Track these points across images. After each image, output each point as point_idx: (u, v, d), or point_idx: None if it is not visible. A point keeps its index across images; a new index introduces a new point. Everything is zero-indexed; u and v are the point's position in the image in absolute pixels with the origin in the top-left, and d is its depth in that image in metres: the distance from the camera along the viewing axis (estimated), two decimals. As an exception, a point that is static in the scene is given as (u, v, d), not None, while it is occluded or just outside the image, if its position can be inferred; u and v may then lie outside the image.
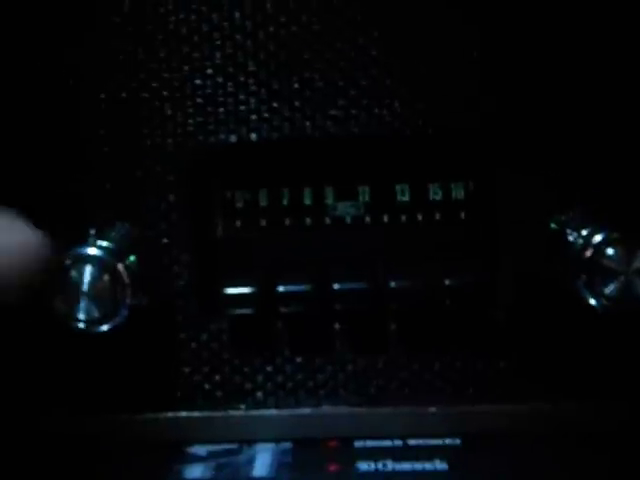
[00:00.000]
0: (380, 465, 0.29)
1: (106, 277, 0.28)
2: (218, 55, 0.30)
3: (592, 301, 0.28)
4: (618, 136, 0.30)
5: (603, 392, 0.31)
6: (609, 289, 0.27)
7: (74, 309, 0.28)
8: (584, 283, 0.27)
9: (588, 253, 0.27)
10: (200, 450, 0.31)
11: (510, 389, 0.31)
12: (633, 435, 0.30)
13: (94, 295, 0.28)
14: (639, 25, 0.29)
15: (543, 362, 0.31)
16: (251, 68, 0.30)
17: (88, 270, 0.28)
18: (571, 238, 0.29)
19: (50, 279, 0.27)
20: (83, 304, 0.28)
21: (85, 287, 0.28)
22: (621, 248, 0.27)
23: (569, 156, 0.30)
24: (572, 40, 0.29)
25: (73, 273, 0.28)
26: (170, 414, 0.32)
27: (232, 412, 0.31)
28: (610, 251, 0.27)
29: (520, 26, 0.29)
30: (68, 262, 0.28)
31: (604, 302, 0.27)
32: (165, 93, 0.30)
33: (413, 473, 0.28)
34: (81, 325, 0.28)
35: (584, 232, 0.28)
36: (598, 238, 0.27)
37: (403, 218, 0.32)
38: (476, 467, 0.29)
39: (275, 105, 0.30)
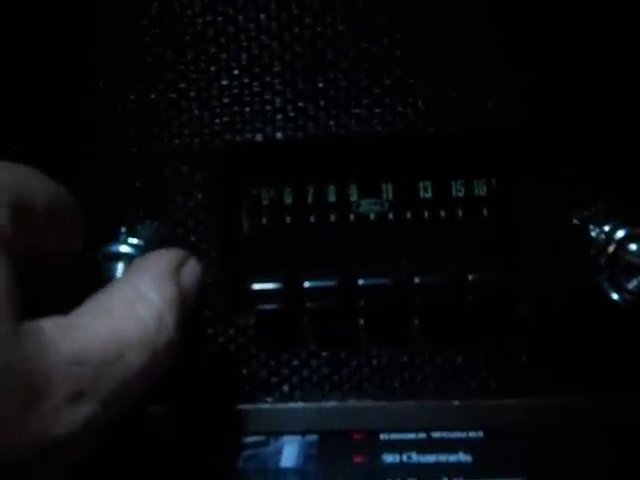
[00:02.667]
0: (405, 457, 0.29)
1: (137, 274, 0.29)
2: (244, 56, 0.31)
3: (615, 296, 0.28)
4: (638, 132, 0.30)
5: (626, 386, 0.31)
6: (632, 284, 0.28)
7: (107, 305, 0.29)
8: (607, 278, 0.28)
9: (611, 249, 0.28)
10: (229, 442, 0.31)
11: (532, 383, 0.31)
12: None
13: (126, 291, 0.29)
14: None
15: (565, 356, 0.31)
16: (276, 68, 0.31)
17: (120, 267, 0.29)
18: (593, 234, 0.29)
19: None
20: (115, 300, 0.29)
21: (117, 283, 0.29)
22: (643, 243, 0.27)
23: (591, 152, 0.30)
24: (593, 39, 0.30)
25: (105, 270, 0.29)
26: (199, 407, 0.32)
27: (259, 405, 0.32)
28: (633, 247, 0.27)
29: (542, 26, 0.30)
30: (100, 259, 0.29)
31: (627, 297, 0.28)
32: (192, 93, 0.31)
33: (437, 465, 0.29)
34: (114, 320, 0.29)
35: (606, 228, 0.28)
36: (620, 234, 0.28)
37: (426, 215, 0.32)
38: (499, 459, 0.29)
39: (300, 104, 0.31)
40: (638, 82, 0.30)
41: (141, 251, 0.29)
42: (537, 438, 0.30)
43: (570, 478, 0.28)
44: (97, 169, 0.32)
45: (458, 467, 0.29)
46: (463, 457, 0.29)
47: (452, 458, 0.29)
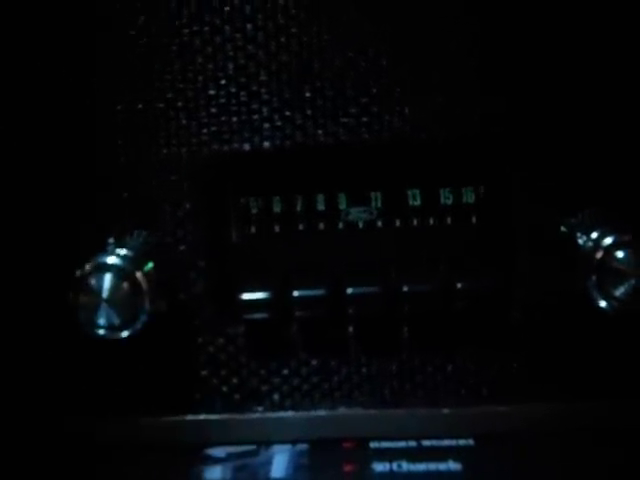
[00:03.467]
0: (395, 466, 0.29)
1: (125, 285, 0.29)
2: (231, 66, 0.31)
3: (602, 303, 0.28)
4: (628, 140, 0.30)
5: (615, 392, 0.31)
6: (619, 291, 0.28)
7: (95, 316, 0.29)
8: (594, 285, 0.28)
9: (598, 255, 0.28)
10: (218, 452, 0.31)
11: (522, 390, 0.31)
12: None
13: (114, 302, 0.29)
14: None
15: (555, 363, 0.31)
16: (263, 78, 0.31)
17: (108, 278, 0.29)
18: (581, 241, 0.29)
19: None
20: (103, 311, 0.29)
21: (105, 295, 0.29)
22: (631, 251, 0.27)
23: (578, 160, 0.30)
24: (584, 46, 0.30)
25: (93, 281, 0.29)
26: (189, 417, 0.32)
27: (249, 414, 0.32)
28: (620, 254, 0.27)
29: (532, 33, 0.30)
30: (88, 270, 0.29)
31: (614, 304, 0.28)
32: (180, 103, 0.31)
33: (427, 473, 0.29)
34: (102, 332, 0.29)
35: (594, 235, 0.28)
36: (608, 241, 0.28)
37: (415, 222, 0.33)
38: (489, 467, 0.29)
39: (287, 114, 0.31)
40: (626, 90, 0.30)
41: (129, 262, 0.29)
42: (527, 446, 0.30)
43: (560, 486, 0.28)
44: (85, 179, 0.32)
45: (448, 475, 0.29)
46: (453, 465, 0.29)
47: (442, 466, 0.29)
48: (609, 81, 0.30)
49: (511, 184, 0.31)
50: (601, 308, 0.28)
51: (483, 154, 0.32)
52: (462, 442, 0.31)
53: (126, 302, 0.29)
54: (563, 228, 0.30)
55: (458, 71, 0.30)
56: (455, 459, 0.30)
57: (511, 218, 0.31)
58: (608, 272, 0.28)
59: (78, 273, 0.29)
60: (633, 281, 0.27)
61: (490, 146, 0.31)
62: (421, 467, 0.29)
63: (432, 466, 0.29)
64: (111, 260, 0.29)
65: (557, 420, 0.31)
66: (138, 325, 0.29)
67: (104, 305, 0.29)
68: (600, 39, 0.30)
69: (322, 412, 0.32)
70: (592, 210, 0.30)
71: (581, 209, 0.30)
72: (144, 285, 0.29)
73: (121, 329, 0.29)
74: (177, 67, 0.31)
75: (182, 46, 0.31)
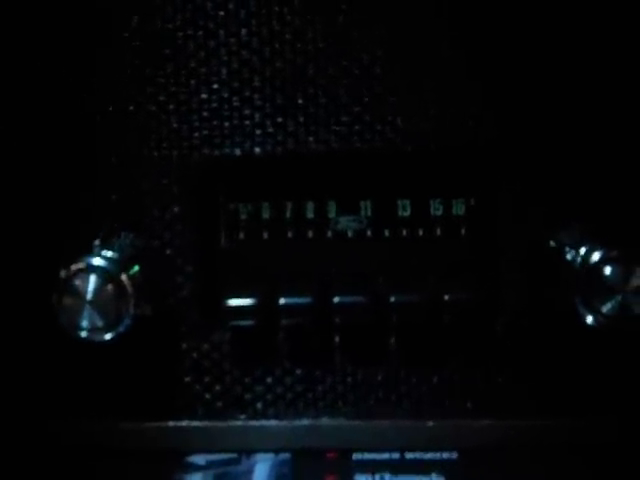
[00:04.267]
0: (377, 478, 0.29)
1: (110, 287, 0.28)
2: (224, 70, 0.31)
3: (589, 319, 0.28)
4: (616, 155, 0.30)
5: (600, 408, 0.31)
6: (606, 307, 0.27)
7: (78, 318, 0.28)
8: (581, 301, 0.28)
9: (586, 271, 0.28)
10: (200, 459, 0.31)
11: (507, 404, 0.31)
12: (628, 450, 0.30)
13: (98, 304, 0.28)
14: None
15: (540, 378, 0.31)
16: (256, 83, 0.31)
17: (92, 280, 0.28)
18: (569, 256, 0.29)
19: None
20: (87, 313, 0.28)
21: (89, 296, 0.28)
22: (619, 266, 0.27)
23: (568, 174, 0.30)
24: (571, 62, 0.30)
25: (77, 282, 0.28)
26: (171, 423, 0.32)
27: (232, 422, 0.32)
28: (608, 269, 0.27)
29: (523, 46, 0.30)
30: (72, 271, 0.28)
31: (601, 320, 0.28)
32: (172, 106, 0.31)
33: (410, 486, 0.29)
34: (84, 334, 0.29)
35: (582, 250, 0.28)
36: (596, 256, 0.28)
37: (404, 233, 0.32)
38: (473, 481, 0.29)
39: (279, 120, 0.31)
40: (616, 103, 0.30)
41: (115, 264, 0.29)
42: (511, 460, 0.30)
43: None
44: (73, 180, 0.31)
45: (430, 489, 0.28)
46: (436, 478, 0.29)
47: (425, 479, 0.29)
48: (600, 96, 0.30)
49: (500, 197, 0.31)
50: (588, 324, 0.28)
51: (474, 166, 0.32)
52: (446, 455, 0.31)
53: (110, 305, 0.28)
54: (552, 243, 0.30)
55: (451, 83, 0.30)
56: (438, 472, 0.29)
57: (499, 231, 0.31)
58: (595, 288, 0.27)
59: (62, 274, 0.29)
60: (620, 297, 0.27)
61: (481, 158, 0.31)
62: (404, 479, 0.29)
63: (415, 479, 0.29)
64: (96, 262, 0.29)
65: (541, 435, 0.31)
66: (122, 328, 0.29)
67: (87, 307, 0.28)
68: (588, 58, 0.30)
69: (305, 422, 0.32)
70: (581, 225, 0.30)
71: (570, 224, 0.30)
72: (129, 288, 0.29)
73: (104, 332, 0.29)
74: (170, 70, 0.31)
75: (175, 49, 0.30)
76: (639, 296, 0.27)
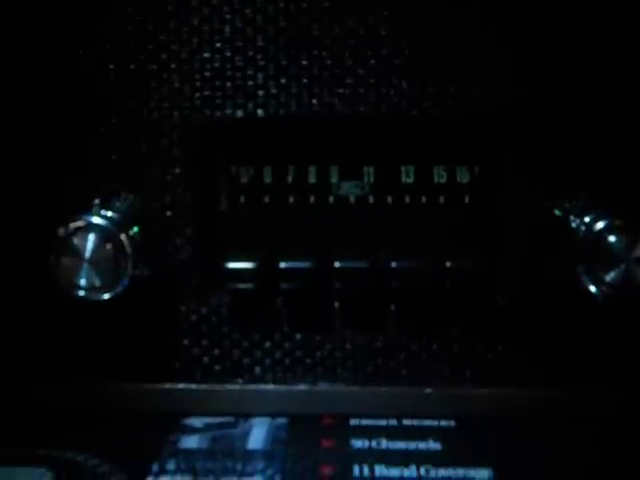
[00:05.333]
0: (374, 443, 0.29)
1: (109, 246, 0.28)
2: (227, 29, 0.30)
3: (592, 288, 0.28)
4: (622, 124, 0.30)
5: (600, 379, 0.31)
6: (610, 276, 0.27)
7: (76, 277, 0.28)
8: (585, 270, 0.27)
9: (590, 240, 0.27)
10: (196, 422, 0.31)
11: (507, 373, 0.31)
12: (628, 422, 0.30)
13: (96, 264, 0.28)
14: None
15: (541, 347, 0.31)
16: (260, 43, 0.30)
17: (91, 238, 0.28)
18: (574, 225, 0.28)
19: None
20: (85, 272, 0.28)
21: (87, 255, 0.28)
22: (623, 236, 0.27)
23: (574, 143, 0.30)
24: (579, 30, 0.29)
25: (76, 241, 0.28)
26: (168, 386, 0.32)
27: (229, 386, 0.32)
28: (612, 238, 0.27)
29: (528, 11, 0.29)
30: (71, 230, 0.28)
31: (604, 289, 0.27)
32: (173, 65, 0.30)
33: (406, 452, 0.28)
34: (82, 293, 0.28)
35: (587, 219, 0.28)
36: (600, 225, 0.27)
37: (407, 199, 0.32)
38: (469, 449, 0.29)
39: (283, 81, 0.30)
40: (622, 75, 0.29)
41: (114, 224, 0.29)
42: (508, 429, 0.30)
43: (539, 470, 0.28)
44: (73, 139, 0.31)
45: (427, 455, 0.28)
46: (433, 445, 0.29)
47: (421, 445, 0.29)
48: (606, 67, 0.29)
49: (505, 165, 0.31)
50: (591, 293, 0.28)
51: (479, 134, 0.31)
52: (443, 423, 0.30)
53: (109, 264, 0.28)
54: (556, 211, 0.30)
55: (459, 48, 0.30)
56: (435, 439, 0.29)
57: (504, 200, 0.31)
58: (599, 256, 0.27)
59: (61, 232, 0.28)
60: (624, 266, 0.27)
61: (486, 126, 0.31)
62: (400, 445, 0.29)
63: (411, 445, 0.29)
64: (96, 220, 0.28)
65: (539, 405, 0.31)
66: (119, 288, 0.28)
67: (86, 266, 0.28)
68: (597, 25, 0.29)
69: (303, 387, 0.31)
70: (585, 194, 0.30)
71: (575, 193, 0.30)
72: (128, 248, 0.28)
73: (102, 291, 0.28)
74: (172, 28, 0.30)
75: (178, 6, 0.30)
76: (643, 265, 0.27)
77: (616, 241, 0.27)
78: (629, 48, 0.29)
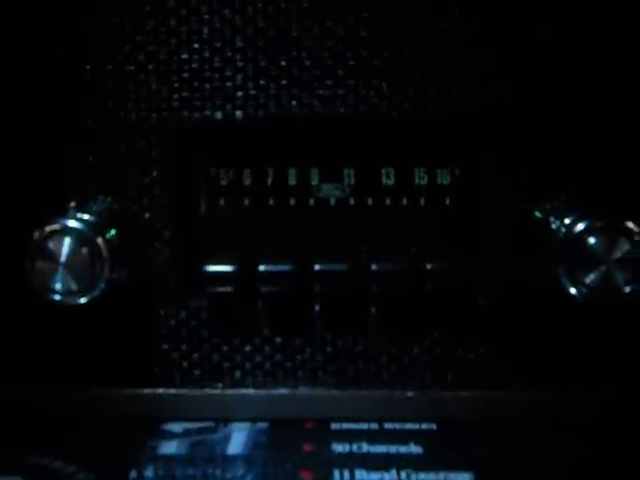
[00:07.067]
0: (355, 447, 0.29)
1: (84, 250, 0.28)
2: (206, 30, 0.30)
3: (572, 290, 0.27)
4: (602, 126, 0.30)
5: (581, 381, 0.31)
6: (589, 278, 0.27)
7: (51, 281, 0.28)
8: (565, 272, 0.27)
9: (570, 242, 0.27)
10: (176, 427, 0.31)
11: (488, 376, 0.31)
12: (608, 425, 0.30)
13: (72, 267, 0.28)
14: (622, 22, 0.29)
15: (522, 350, 0.31)
16: (238, 44, 0.30)
17: (67, 242, 0.28)
18: (554, 227, 0.28)
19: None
20: (60, 276, 0.28)
21: (63, 259, 0.28)
22: (603, 237, 0.27)
23: (554, 145, 0.30)
24: (558, 30, 0.29)
25: (51, 244, 0.28)
26: (147, 391, 0.31)
27: (209, 390, 0.31)
28: (592, 240, 0.27)
29: (508, 11, 0.29)
30: (47, 233, 0.28)
31: (584, 291, 0.27)
32: (151, 66, 0.30)
33: (387, 455, 0.28)
34: (57, 297, 0.28)
35: (567, 221, 0.28)
36: (580, 227, 0.27)
37: (388, 202, 0.32)
38: (450, 452, 0.29)
39: (262, 82, 0.30)
40: (601, 73, 0.29)
41: (90, 227, 0.28)
42: (490, 432, 0.30)
43: (519, 474, 0.28)
44: (49, 141, 0.30)
45: (408, 458, 0.28)
46: (414, 449, 0.29)
47: (403, 449, 0.29)
48: (585, 67, 0.29)
49: (485, 167, 0.30)
50: (571, 295, 0.28)
51: (459, 135, 0.31)
52: (425, 426, 0.30)
53: (85, 268, 0.28)
54: (537, 213, 0.30)
55: (438, 49, 0.29)
56: (416, 442, 0.29)
57: (484, 201, 0.31)
58: (579, 258, 0.27)
59: (36, 236, 0.28)
60: (604, 267, 0.27)
61: (467, 127, 0.30)
62: (381, 449, 0.29)
63: (392, 449, 0.29)
64: (71, 224, 0.28)
65: (521, 407, 0.31)
66: (96, 292, 0.28)
67: (61, 270, 0.28)
68: (575, 25, 0.29)
69: (283, 391, 0.31)
70: (566, 196, 0.30)
71: (555, 195, 0.30)
72: (104, 251, 0.28)
73: (78, 295, 0.28)
74: (149, 28, 0.30)
75: (155, 6, 0.30)
76: (622, 267, 0.27)
77: (596, 243, 0.27)
78: (607, 51, 0.29)
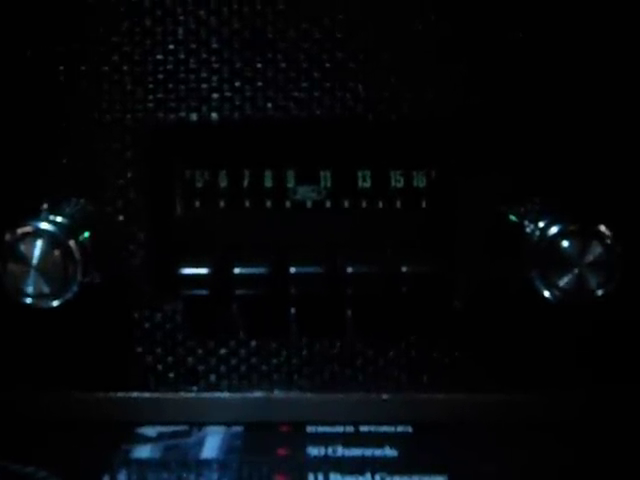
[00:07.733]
0: (330, 450, 0.29)
1: (57, 252, 0.27)
2: (181, 30, 0.29)
3: (546, 293, 0.28)
4: (577, 129, 0.30)
5: (556, 383, 0.31)
6: (562, 281, 0.27)
7: (23, 284, 0.27)
8: (539, 274, 0.27)
9: (543, 245, 0.27)
10: (150, 431, 0.30)
11: (464, 379, 0.31)
12: (585, 427, 0.30)
13: (44, 270, 0.27)
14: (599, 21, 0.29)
15: (497, 352, 0.31)
16: (214, 45, 0.30)
17: (39, 244, 0.27)
18: (528, 230, 0.29)
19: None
20: (32, 279, 0.27)
21: (35, 262, 0.27)
22: (576, 241, 0.27)
23: (529, 148, 0.30)
24: (535, 33, 0.29)
25: (23, 247, 0.27)
26: (121, 394, 0.31)
27: (184, 394, 0.31)
28: (565, 243, 0.27)
29: (484, 15, 0.29)
30: (18, 235, 0.27)
31: (557, 294, 0.27)
32: (125, 67, 0.30)
33: (362, 459, 0.28)
34: (29, 300, 0.28)
35: (541, 224, 0.28)
36: (554, 230, 0.27)
37: (364, 204, 0.32)
38: (426, 455, 0.29)
39: (237, 84, 0.30)
40: (577, 76, 0.30)
41: (63, 229, 0.28)
42: (466, 435, 0.30)
43: (493, 477, 0.28)
44: (21, 142, 0.30)
45: (383, 462, 0.28)
46: (389, 452, 0.29)
47: (378, 452, 0.29)
48: (561, 69, 0.30)
49: (460, 170, 0.31)
50: (545, 298, 0.28)
51: (435, 138, 0.31)
52: (400, 429, 0.30)
53: (57, 271, 0.27)
54: (512, 216, 0.30)
55: (413, 52, 0.30)
56: (392, 446, 0.29)
57: (459, 204, 0.31)
58: (552, 261, 0.27)
59: (8, 237, 0.27)
60: (577, 270, 0.27)
61: (442, 130, 0.31)
62: (356, 452, 0.29)
63: (368, 452, 0.29)
64: (43, 226, 0.28)
65: (497, 411, 0.31)
66: (69, 295, 0.28)
67: (33, 272, 0.27)
68: (546, 32, 0.29)
69: (259, 394, 0.31)
70: (540, 199, 0.30)
71: (530, 198, 0.30)
72: (77, 254, 0.28)
73: (51, 298, 0.28)
74: (124, 29, 0.30)
75: (130, 7, 0.29)
76: (594, 270, 0.27)
77: (569, 246, 0.27)
78: (581, 55, 0.29)
